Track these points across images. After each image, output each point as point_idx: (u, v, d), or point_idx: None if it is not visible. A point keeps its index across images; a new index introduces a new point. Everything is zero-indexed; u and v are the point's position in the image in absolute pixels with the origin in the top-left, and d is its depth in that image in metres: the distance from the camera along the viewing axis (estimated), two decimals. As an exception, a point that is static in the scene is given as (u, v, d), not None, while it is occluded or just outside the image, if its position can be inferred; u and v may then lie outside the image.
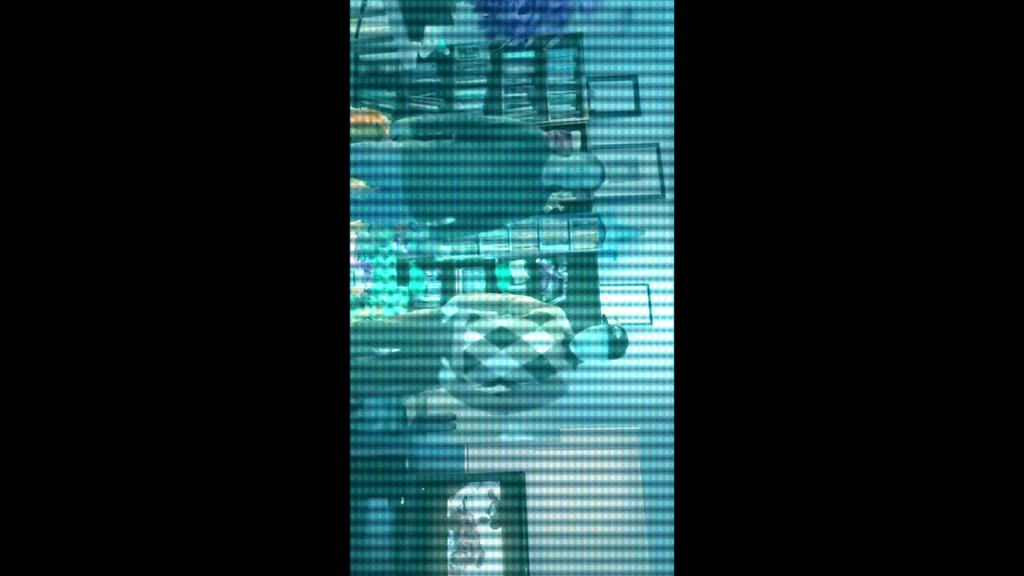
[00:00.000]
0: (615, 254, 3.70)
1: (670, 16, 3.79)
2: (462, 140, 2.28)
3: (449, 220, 2.37)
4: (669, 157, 3.82)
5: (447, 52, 3.76)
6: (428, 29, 3.38)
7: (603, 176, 2.32)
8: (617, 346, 2.20)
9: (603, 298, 3.58)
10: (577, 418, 3.45)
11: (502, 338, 2.27)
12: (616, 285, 3.74)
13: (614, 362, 3.50)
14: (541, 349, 2.25)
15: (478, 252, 3.56)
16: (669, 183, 3.77)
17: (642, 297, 3.72)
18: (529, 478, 3.19)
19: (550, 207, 3.62)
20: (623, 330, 2.23)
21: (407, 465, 2.92)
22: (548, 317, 2.31)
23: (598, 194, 3.71)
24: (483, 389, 2.34)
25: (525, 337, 2.26)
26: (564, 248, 3.57)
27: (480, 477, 3.13)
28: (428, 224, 2.42)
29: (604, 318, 3.29)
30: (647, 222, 3.75)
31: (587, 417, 3.45)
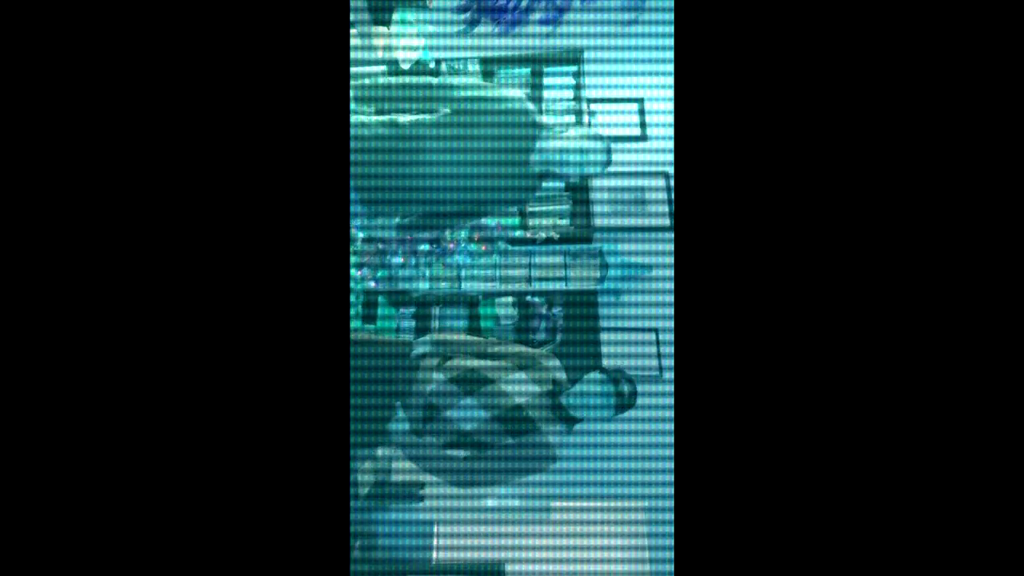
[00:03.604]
0: (618, 293, 3.36)
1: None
2: (427, 113, 1.89)
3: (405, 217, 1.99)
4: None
5: (432, 66, 3.44)
6: (413, 36, 3.06)
7: (609, 161, 1.92)
8: (624, 403, 1.79)
9: (604, 345, 3.28)
10: (571, 482, 3.02)
11: (475, 387, 1.83)
12: (619, 329, 3.39)
13: (616, 422, 3.05)
14: (523, 403, 1.81)
15: (459, 287, 3.25)
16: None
17: (650, 346, 3.35)
18: (510, 568, 2.66)
19: (542, 234, 3.23)
20: (631, 382, 1.80)
21: (357, 551, 2.35)
22: (537, 364, 1.89)
23: (600, 223, 3.42)
24: (442, 451, 1.87)
25: (505, 386, 1.82)
26: (560, 285, 3.28)
27: (450, 570, 2.57)
28: (381, 221, 2.03)
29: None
30: (655, 259, 3.43)
31: (583, 482, 3.03)
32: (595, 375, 1.80)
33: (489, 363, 1.89)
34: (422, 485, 2.97)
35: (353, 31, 2.93)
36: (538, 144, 1.90)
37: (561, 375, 1.90)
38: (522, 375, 1.86)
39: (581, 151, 1.88)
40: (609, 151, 1.93)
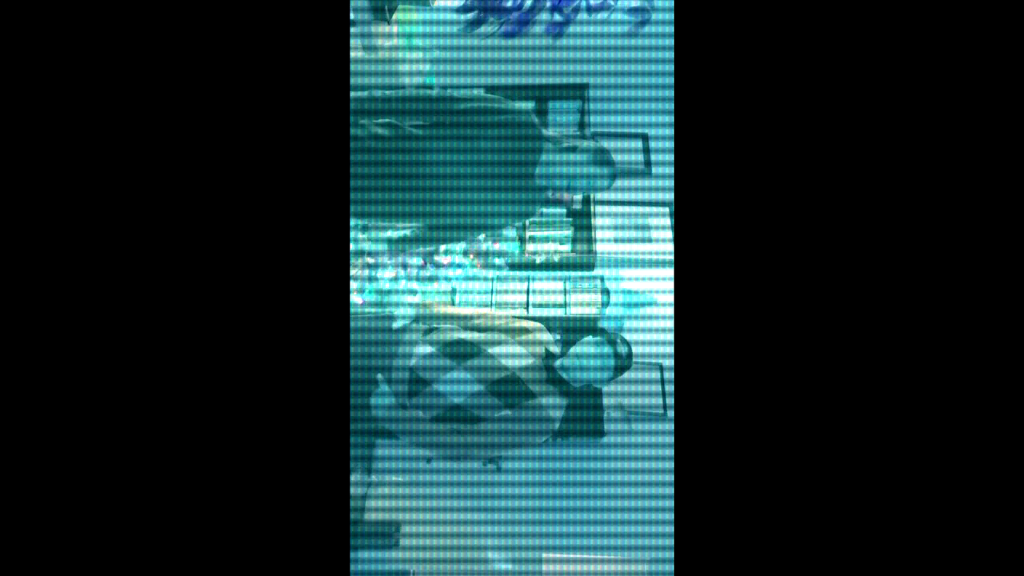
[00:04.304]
0: (620, 328, 3.24)
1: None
2: (429, 126, 1.88)
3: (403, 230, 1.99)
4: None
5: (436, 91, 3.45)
6: (417, 60, 3.07)
7: (615, 175, 1.90)
8: (621, 365, 1.75)
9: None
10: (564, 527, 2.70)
11: (463, 353, 1.78)
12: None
13: (615, 464, 2.89)
14: (517, 368, 1.76)
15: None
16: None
17: (655, 384, 3.15)
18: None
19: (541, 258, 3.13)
20: (627, 343, 1.76)
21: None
22: (526, 330, 1.86)
23: (602, 256, 3.31)
24: (430, 425, 1.79)
25: (494, 352, 1.77)
26: (559, 313, 3.10)
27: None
28: (380, 234, 2.08)
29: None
30: (659, 297, 3.32)
31: (578, 531, 2.73)
32: (590, 337, 1.75)
33: (478, 333, 1.83)
34: (398, 526, 2.70)
35: (354, 38, 2.93)
36: (542, 157, 1.87)
37: (550, 337, 1.85)
38: (510, 341, 1.79)
39: (584, 170, 1.85)
40: (614, 170, 1.89)
